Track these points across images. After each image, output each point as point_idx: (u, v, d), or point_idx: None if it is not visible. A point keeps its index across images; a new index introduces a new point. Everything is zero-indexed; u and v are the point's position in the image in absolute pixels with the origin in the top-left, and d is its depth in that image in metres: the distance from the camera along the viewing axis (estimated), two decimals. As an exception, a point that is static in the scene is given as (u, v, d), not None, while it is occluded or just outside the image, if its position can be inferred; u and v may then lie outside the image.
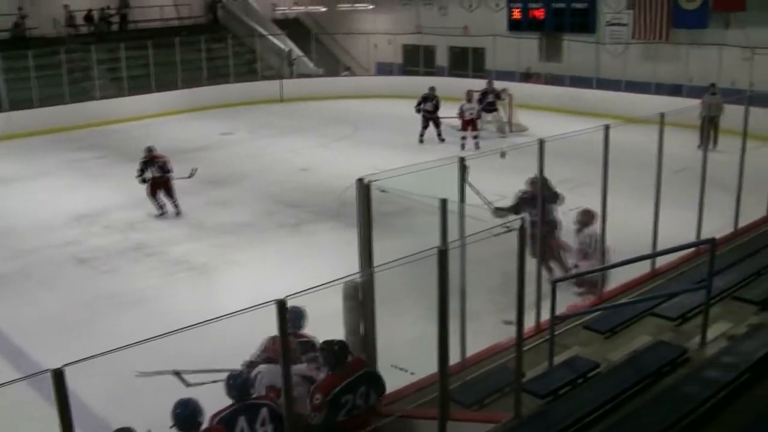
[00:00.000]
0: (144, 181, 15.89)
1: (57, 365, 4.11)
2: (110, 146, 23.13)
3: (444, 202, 6.87)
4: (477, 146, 21.12)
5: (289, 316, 7.85)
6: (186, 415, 5.66)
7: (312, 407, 6.11)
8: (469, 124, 21.67)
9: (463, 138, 21.44)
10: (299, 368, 6.78)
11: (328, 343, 6.38)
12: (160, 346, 4.68)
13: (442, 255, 5.67)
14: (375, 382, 6.53)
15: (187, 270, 12.98)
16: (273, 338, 6.84)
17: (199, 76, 30.62)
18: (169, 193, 15.96)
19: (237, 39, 33.61)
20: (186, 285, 12.41)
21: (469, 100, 21.95)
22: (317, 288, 4.94)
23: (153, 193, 15.95)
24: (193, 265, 13.12)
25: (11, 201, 17.85)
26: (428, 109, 22.32)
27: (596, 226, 9.61)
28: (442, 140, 22.11)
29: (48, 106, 26.75)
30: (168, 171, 15.91)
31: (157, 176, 15.80)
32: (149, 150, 16.11)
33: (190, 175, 16.51)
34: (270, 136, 24.23)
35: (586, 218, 10.05)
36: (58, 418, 4.21)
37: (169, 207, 16.03)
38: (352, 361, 6.44)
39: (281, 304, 4.99)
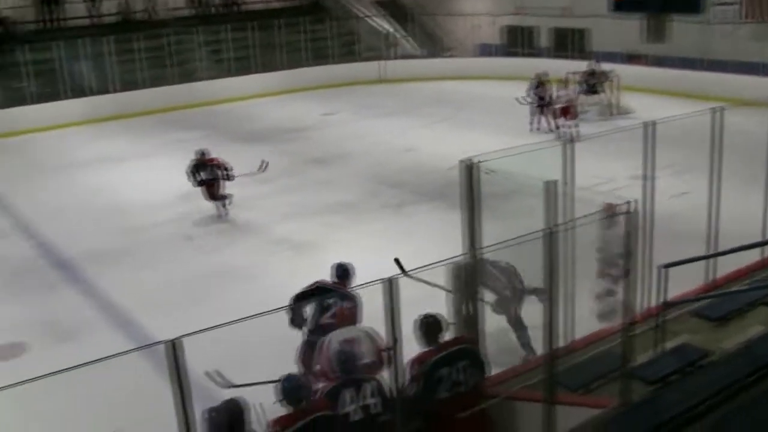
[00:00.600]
0: (200, 184, 15.21)
1: (167, 338, 4.21)
2: (214, 126, 23.56)
3: (551, 184, 6.80)
4: (577, 134, 19.23)
5: (337, 272, 8.40)
6: (292, 388, 5.72)
7: (410, 377, 6.10)
8: (565, 112, 20.38)
9: (558, 127, 20.33)
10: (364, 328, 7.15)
11: (423, 317, 6.34)
12: (267, 321, 4.73)
13: (550, 237, 5.61)
14: (474, 359, 6.45)
15: (291, 249, 13.16)
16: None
17: (301, 57, 30.95)
18: (215, 196, 15.14)
19: (338, 20, 33.78)
20: (289, 263, 12.57)
21: (565, 86, 20.92)
22: (426, 267, 4.96)
23: (211, 196, 15.22)
24: (297, 244, 13.28)
25: (121, 180, 18.41)
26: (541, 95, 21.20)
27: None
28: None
29: (155, 87, 27.42)
30: (216, 177, 15.07)
31: (209, 179, 15.11)
32: (201, 153, 15.38)
33: (261, 169, 15.84)
34: (371, 116, 24.32)
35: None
36: (172, 390, 4.31)
37: (218, 209, 15.26)
38: (450, 339, 6.41)
39: (391, 283, 5.01)
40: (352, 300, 7.88)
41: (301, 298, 8.10)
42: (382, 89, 29.35)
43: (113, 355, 4.14)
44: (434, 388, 6.08)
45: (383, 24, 33.80)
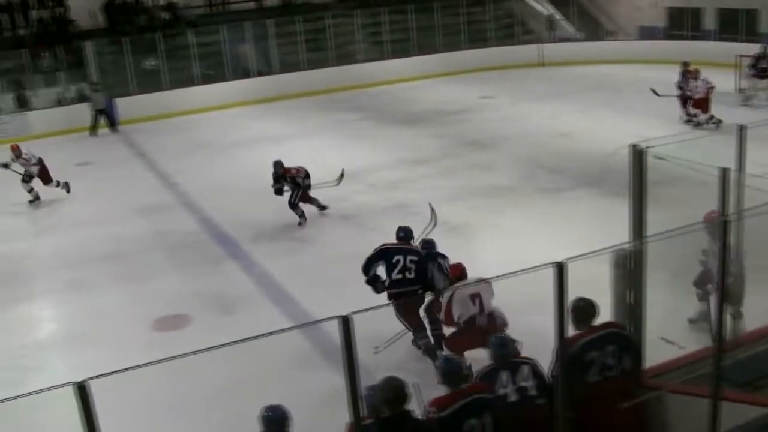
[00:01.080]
0: (277, 193, 14.44)
1: (323, 314, 4.29)
2: (372, 108, 23.85)
3: (725, 171, 6.56)
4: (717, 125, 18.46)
5: (398, 235, 9.46)
6: (451, 370, 5.74)
7: (554, 358, 6.00)
8: (697, 104, 18.95)
9: (692, 116, 19.09)
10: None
11: (576, 300, 6.21)
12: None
13: (724, 226, 5.43)
14: (626, 344, 6.27)
15: (448, 230, 13.13)
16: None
17: (458, 40, 30.89)
18: (307, 200, 14.41)
19: (496, 2, 33.50)
20: (446, 245, 12.57)
21: (695, 78, 19.15)
22: (591, 254, 4.88)
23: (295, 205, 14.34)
24: (454, 226, 13.25)
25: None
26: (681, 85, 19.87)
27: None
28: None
29: (314, 68, 27.96)
30: (299, 185, 14.29)
31: (291, 188, 14.37)
32: (278, 165, 14.41)
33: (338, 181, 14.96)
34: (529, 100, 24.07)
35: None
36: (344, 364, 4.39)
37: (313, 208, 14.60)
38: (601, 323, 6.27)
39: (560, 267, 4.94)
40: (418, 254, 9.16)
41: (370, 262, 9.28)
42: (541, 73, 28.97)
43: (285, 329, 4.27)
44: (584, 370, 5.94)
45: (542, 6, 33.33)
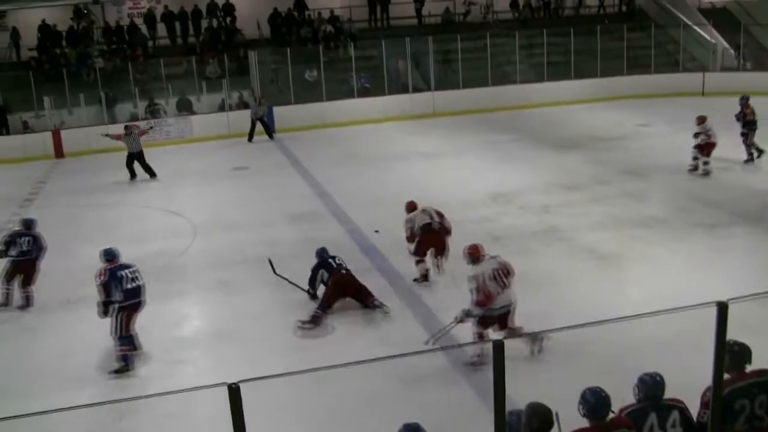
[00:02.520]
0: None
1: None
2: (527, 129, 23.71)
3: None
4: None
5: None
6: (596, 403, 5.64)
7: (702, 403, 5.77)
8: (701, 148, 18.09)
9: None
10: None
11: (729, 344, 5.92)
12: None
13: None
14: None
15: (596, 259, 12.91)
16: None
17: (618, 65, 30.33)
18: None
19: (660, 28, 32.71)
20: (593, 274, 12.37)
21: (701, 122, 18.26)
22: (756, 296, 4.71)
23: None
24: (602, 255, 13.01)
25: (433, 174, 19.02)
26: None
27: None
28: None
29: (471, 87, 28.02)
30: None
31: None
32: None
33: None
34: (688, 130, 23.25)
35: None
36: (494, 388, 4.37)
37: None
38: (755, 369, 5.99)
39: (722, 308, 4.76)
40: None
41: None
42: (704, 102, 28.02)
43: (430, 349, 4.28)
44: (731, 418, 5.69)
45: (708, 34, 32.33)
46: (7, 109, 27.27)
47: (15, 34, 30.75)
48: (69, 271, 13.93)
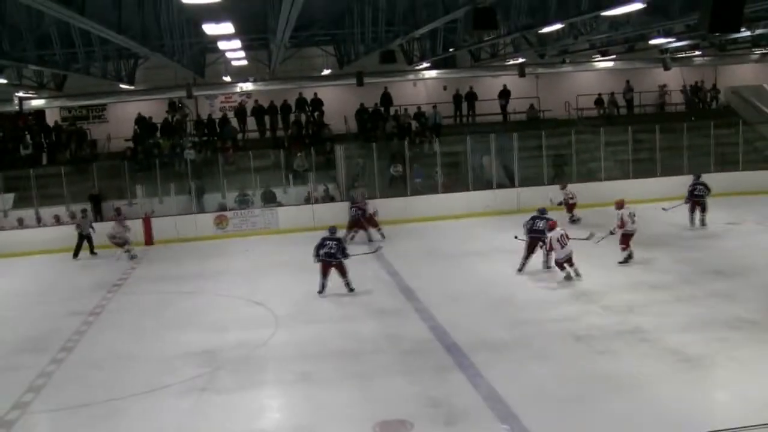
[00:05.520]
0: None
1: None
2: (611, 226, 23.40)
3: None
4: None
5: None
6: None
7: None
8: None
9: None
10: None
11: None
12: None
13: None
14: None
15: (682, 361, 12.61)
16: None
17: (705, 162, 29.91)
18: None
19: (748, 125, 32.37)
20: (680, 376, 12.11)
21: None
22: None
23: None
24: (688, 357, 12.70)
25: (516, 273, 19.03)
26: None
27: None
28: None
29: (555, 184, 27.98)
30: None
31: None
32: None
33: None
34: (780, 228, 22.92)
35: None
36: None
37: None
38: None
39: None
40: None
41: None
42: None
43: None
44: None
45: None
46: (102, 197, 28.29)
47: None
48: (153, 358, 14.28)
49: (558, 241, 17.76)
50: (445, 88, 35.24)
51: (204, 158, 30.79)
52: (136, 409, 12.00)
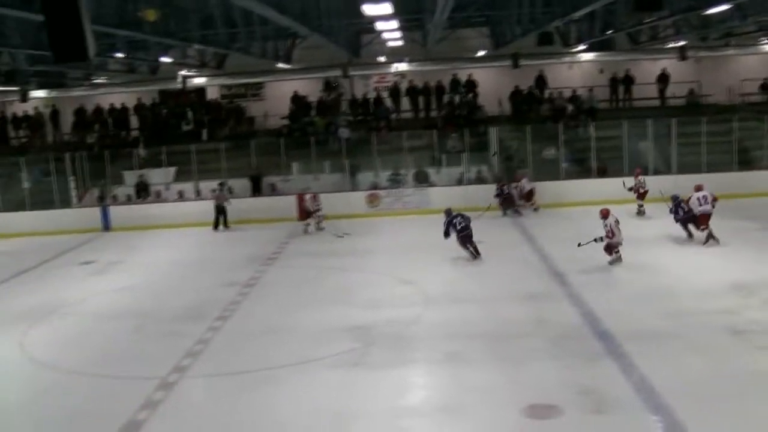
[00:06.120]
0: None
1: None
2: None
3: None
4: None
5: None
6: None
7: None
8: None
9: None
10: None
11: None
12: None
13: None
14: None
15: None
16: None
17: None
18: None
19: None
20: None
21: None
22: None
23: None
24: None
25: (672, 260, 18.54)
26: None
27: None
28: None
29: (713, 172, 27.00)
30: None
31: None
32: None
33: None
34: None
35: None
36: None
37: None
38: None
39: None
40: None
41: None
42: None
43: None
44: None
45: None
46: (261, 175, 29.21)
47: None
48: (305, 330, 14.67)
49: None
50: (601, 71, 34.55)
51: (358, 137, 31.25)
52: (289, 379, 12.39)
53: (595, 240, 18.41)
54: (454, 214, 19.96)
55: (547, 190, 26.83)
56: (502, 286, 17.22)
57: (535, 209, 26.49)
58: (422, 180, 29.00)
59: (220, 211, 26.38)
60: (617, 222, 18.41)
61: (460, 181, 28.78)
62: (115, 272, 21.51)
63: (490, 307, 15.73)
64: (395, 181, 28.99)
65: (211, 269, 20.92)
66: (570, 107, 32.28)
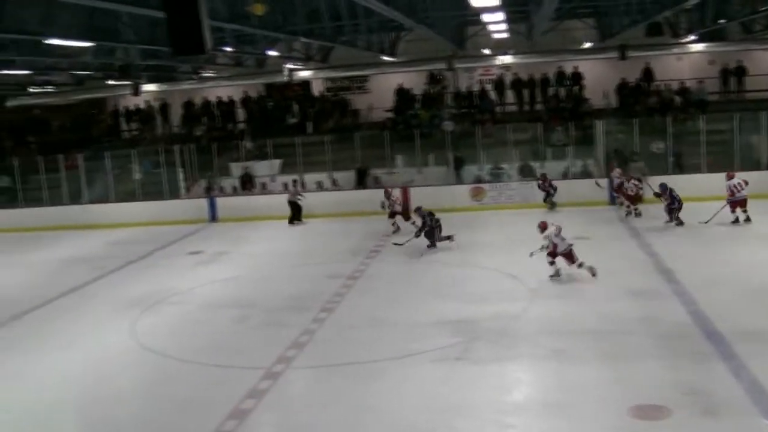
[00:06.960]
0: None
1: None
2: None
3: None
4: None
5: None
6: None
7: None
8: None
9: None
10: None
11: None
12: None
13: None
14: None
15: None
16: None
17: None
18: None
19: None
20: None
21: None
22: None
23: None
24: None
25: None
26: None
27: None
28: None
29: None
30: None
31: None
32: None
33: None
34: None
35: None
36: None
37: None
38: None
39: None
40: None
41: None
42: None
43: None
44: None
45: None
46: (367, 169, 29.45)
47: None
48: (409, 324, 14.74)
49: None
50: (711, 62, 33.64)
51: (462, 130, 31.19)
52: (393, 372, 12.47)
53: (541, 249, 17.60)
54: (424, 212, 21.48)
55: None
56: (607, 282, 16.91)
57: (637, 214, 24.58)
58: (527, 174, 28.76)
59: (294, 206, 26.78)
60: (559, 231, 17.46)
61: (565, 175, 28.42)
62: (222, 262, 22.03)
63: (594, 303, 15.52)
64: (496, 175, 28.82)
65: (314, 261, 21.22)
66: (679, 99, 31.52)
